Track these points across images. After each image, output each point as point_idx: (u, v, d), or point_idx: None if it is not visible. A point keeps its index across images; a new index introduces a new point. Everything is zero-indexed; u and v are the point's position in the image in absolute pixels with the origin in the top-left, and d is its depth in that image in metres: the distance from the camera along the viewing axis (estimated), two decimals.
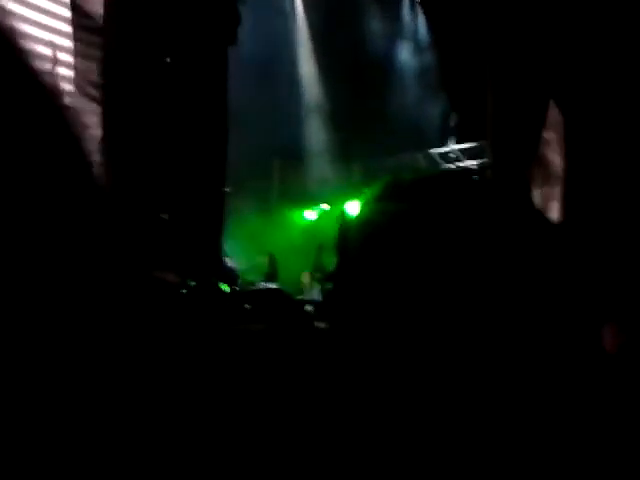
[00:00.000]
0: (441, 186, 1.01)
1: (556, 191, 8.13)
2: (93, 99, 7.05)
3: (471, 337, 0.86)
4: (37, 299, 0.59)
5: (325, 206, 15.30)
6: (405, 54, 14.03)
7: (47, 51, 6.28)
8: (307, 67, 15.26)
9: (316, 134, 14.95)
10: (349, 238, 1.07)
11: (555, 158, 8.41)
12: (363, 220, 1.08)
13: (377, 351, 0.93)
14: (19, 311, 0.57)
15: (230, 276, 9.44)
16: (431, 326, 0.88)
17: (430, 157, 13.42)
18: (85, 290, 0.63)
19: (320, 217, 15.46)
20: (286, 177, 15.44)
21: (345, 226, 1.13)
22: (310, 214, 15.59)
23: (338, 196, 14.68)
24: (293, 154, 14.71)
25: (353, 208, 13.70)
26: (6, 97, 0.57)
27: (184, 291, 5.42)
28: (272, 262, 12.63)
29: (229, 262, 10.56)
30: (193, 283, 5.57)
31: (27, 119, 0.58)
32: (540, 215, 1.00)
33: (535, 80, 8.78)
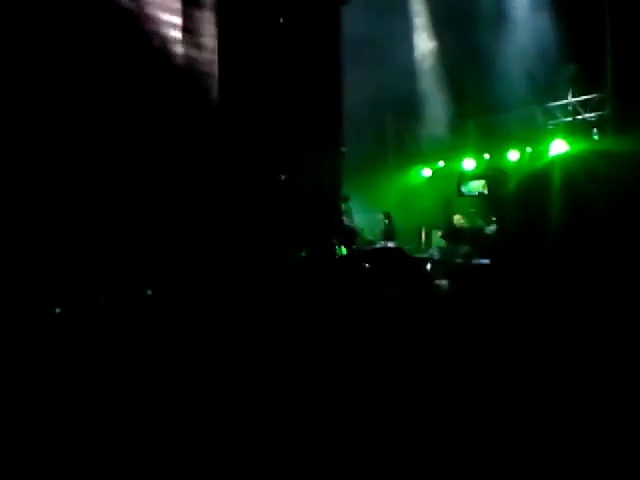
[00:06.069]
0: None
1: None
2: (211, 62, 7.27)
3: None
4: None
5: (441, 163, 15.22)
6: (519, 5, 13.66)
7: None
8: (420, 20, 15.12)
9: (430, 89, 14.83)
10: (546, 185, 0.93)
11: None
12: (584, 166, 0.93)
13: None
14: None
15: (349, 236, 9.59)
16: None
17: (548, 110, 13.11)
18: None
19: (435, 174, 15.40)
20: (401, 133, 15.39)
21: (536, 175, 1.02)
22: (426, 171, 15.54)
23: (453, 153, 14.56)
24: (408, 109, 14.65)
25: (468, 164, 13.52)
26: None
27: (303, 254, 5.57)
28: (389, 220, 12.68)
29: (347, 221, 10.70)
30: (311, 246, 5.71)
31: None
32: None
33: None
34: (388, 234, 12.32)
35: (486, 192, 12.95)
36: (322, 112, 9.11)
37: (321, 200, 9.03)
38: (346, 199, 12.31)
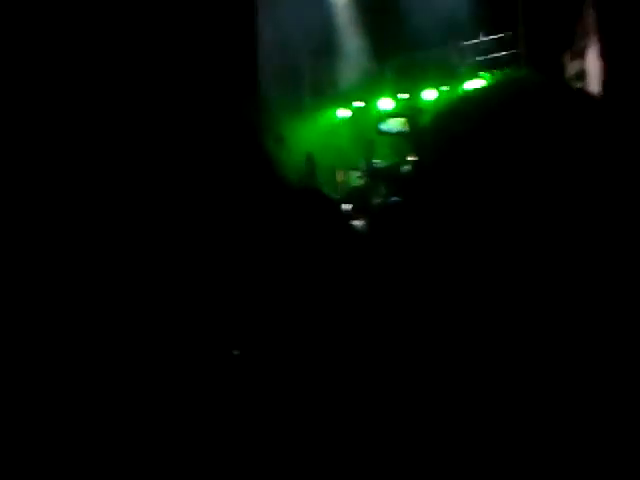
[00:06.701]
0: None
1: (593, 85, 8.01)
2: None
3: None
4: None
5: (358, 103, 15.21)
6: None
7: None
8: None
9: (346, 30, 14.75)
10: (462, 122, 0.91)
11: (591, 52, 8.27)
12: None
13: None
14: None
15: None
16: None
17: (462, 50, 13.22)
18: None
19: (353, 115, 15.40)
20: (317, 75, 15.31)
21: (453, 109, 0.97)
22: (343, 112, 15.52)
23: (370, 93, 14.58)
24: (324, 50, 14.57)
25: (386, 104, 13.57)
26: None
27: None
28: (309, 162, 12.62)
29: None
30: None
31: None
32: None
33: None
34: (308, 176, 12.29)
35: (405, 130, 13.09)
36: (236, 54, 8.94)
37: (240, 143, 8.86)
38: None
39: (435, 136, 0.94)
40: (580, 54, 8.77)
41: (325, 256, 2.19)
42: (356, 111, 15.26)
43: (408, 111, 13.61)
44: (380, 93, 14.45)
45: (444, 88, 13.46)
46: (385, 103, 14.45)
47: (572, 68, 9.01)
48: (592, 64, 8.23)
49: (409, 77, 13.84)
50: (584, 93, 0.95)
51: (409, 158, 10.98)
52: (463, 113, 0.89)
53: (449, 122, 0.94)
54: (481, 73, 12.15)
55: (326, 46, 14.49)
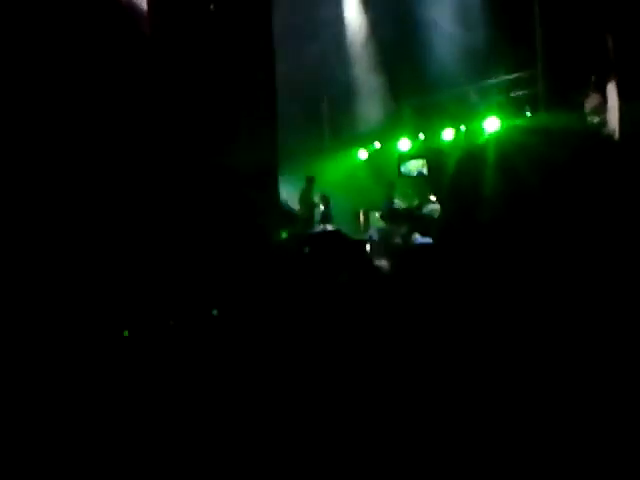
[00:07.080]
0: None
1: (612, 119, 8.00)
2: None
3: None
4: None
5: (377, 144, 15.25)
6: None
7: None
8: (352, 3, 15.14)
9: (364, 72, 14.84)
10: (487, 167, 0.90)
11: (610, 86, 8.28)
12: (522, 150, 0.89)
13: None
14: None
15: (288, 220, 9.53)
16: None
17: (480, 89, 13.23)
18: None
19: (371, 155, 15.43)
20: (336, 116, 15.38)
21: (475, 153, 0.96)
22: (362, 153, 15.55)
23: (389, 134, 14.61)
24: (342, 92, 14.65)
25: (404, 145, 13.59)
26: None
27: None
28: (325, 202, 12.65)
29: (285, 205, 10.63)
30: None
31: None
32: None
33: (588, 5, 8.61)
34: (325, 216, 12.31)
35: (425, 172, 13.09)
36: (254, 95, 8.98)
37: (257, 185, 8.90)
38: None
39: (456, 187, 0.96)
40: (597, 89, 8.79)
41: (359, 297, 2.18)
42: (375, 152, 15.29)
43: (427, 152, 13.62)
44: (399, 133, 14.48)
45: (462, 128, 13.47)
46: (404, 143, 14.48)
47: (590, 103, 9.02)
48: (612, 98, 8.23)
49: (428, 117, 13.86)
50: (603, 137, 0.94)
51: (430, 198, 10.97)
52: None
53: (470, 174, 0.92)
54: (499, 112, 12.16)
55: (345, 86, 14.57)
